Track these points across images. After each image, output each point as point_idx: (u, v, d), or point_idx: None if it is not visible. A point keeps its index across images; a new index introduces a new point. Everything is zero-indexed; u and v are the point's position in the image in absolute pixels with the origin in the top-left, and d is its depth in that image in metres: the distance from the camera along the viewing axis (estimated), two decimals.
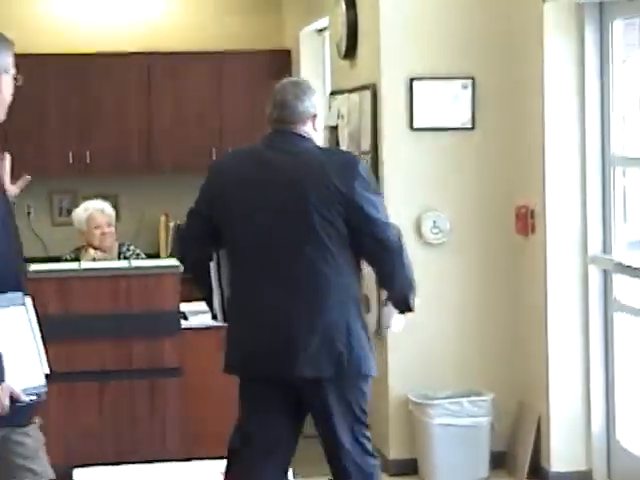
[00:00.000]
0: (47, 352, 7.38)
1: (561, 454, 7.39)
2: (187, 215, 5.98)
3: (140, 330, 7.62)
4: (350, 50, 8.40)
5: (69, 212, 10.08)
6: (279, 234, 5.57)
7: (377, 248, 5.64)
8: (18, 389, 4.31)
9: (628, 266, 7.08)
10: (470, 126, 7.78)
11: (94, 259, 8.35)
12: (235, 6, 11.04)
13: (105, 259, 8.36)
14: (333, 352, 5.52)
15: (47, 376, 4.43)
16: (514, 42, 7.69)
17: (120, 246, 8.58)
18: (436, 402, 7.60)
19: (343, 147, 8.62)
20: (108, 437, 7.57)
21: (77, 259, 8.36)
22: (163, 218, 10.77)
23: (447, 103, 7.76)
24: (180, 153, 10.47)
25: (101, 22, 10.82)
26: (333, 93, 9.12)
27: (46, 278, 7.69)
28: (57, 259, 8.47)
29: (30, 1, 10.75)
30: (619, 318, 7.29)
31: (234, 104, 10.58)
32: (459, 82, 7.75)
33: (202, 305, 8.01)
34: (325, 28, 9.67)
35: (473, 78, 7.76)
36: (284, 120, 5.73)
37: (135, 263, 8.13)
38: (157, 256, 9.99)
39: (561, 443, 7.38)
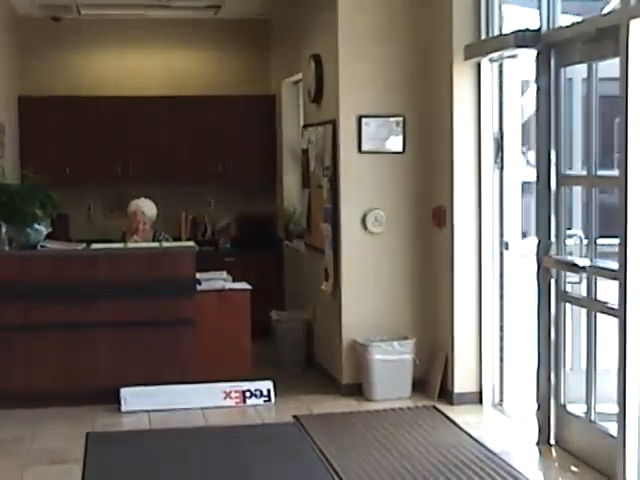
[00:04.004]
0: (99, 309, 7.51)
1: (461, 380, 7.44)
2: None
3: (167, 292, 7.68)
4: (317, 96, 8.39)
5: (118, 208, 10.14)
6: None
7: None
8: None
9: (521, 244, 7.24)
10: (401, 151, 7.78)
11: (135, 241, 8.39)
12: (235, 62, 11.00)
13: (143, 241, 8.42)
14: None
15: None
16: (432, 92, 7.70)
17: (155, 232, 8.54)
18: (375, 344, 7.64)
19: (311, 164, 8.71)
20: (144, 366, 7.61)
21: (123, 241, 8.40)
22: (184, 213, 10.79)
23: (385, 134, 7.75)
24: (195, 167, 10.47)
25: (140, 73, 10.81)
26: (305, 126, 9.10)
27: (101, 254, 7.79)
28: (109, 240, 8.47)
29: (91, 59, 10.71)
30: (508, 286, 7.34)
31: (236, 132, 10.58)
32: (394, 119, 7.75)
33: (211, 274, 8.14)
34: (300, 80, 9.62)
35: (404, 117, 7.77)
36: None
37: (164, 244, 8.19)
38: (179, 239, 10.02)
39: (461, 372, 7.44)
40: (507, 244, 7.31)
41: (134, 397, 7.46)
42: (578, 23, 6.08)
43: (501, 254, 7.36)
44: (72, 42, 10.67)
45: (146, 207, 8.52)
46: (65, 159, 10.22)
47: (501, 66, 7.24)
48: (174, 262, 7.79)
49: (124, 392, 7.47)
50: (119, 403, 7.43)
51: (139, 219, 8.46)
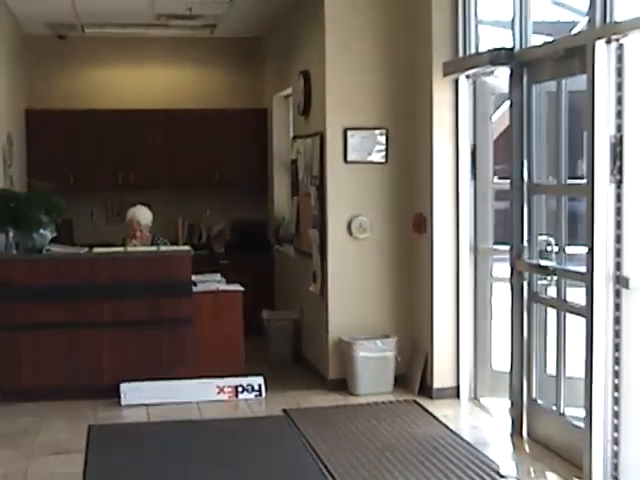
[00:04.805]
0: (101, 309, 7.51)
1: (440, 376, 7.46)
2: None
3: (165, 293, 7.67)
4: (306, 109, 8.42)
5: (119, 214, 10.13)
6: None
7: None
8: None
9: (494, 249, 7.26)
10: (384, 161, 7.79)
11: (134, 245, 8.38)
12: (229, 78, 11.00)
13: (142, 246, 8.40)
14: None
15: None
16: (414, 106, 7.72)
17: (154, 237, 8.53)
18: (359, 342, 7.65)
19: (300, 174, 8.72)
20: (143, 363, 7.62)
21: (123, 245, 8.39)
22: (181, 219, 10.81)
23: (369, 145, 7.76)
24: (194, 176, 10.44)
25: (140, 88, 10.82)
26: (294, 138, 9.11)
27: (103, 258, 7.79)
28: (110, 245, 8.47)
29: (94, 74, 10.72)
30: (481, 285, 7.36)
31: (230, 143, 10.57)
32: (377, 132, 7.76)
33: (206, 276, 8.15)
34: (290, 95, 9.64)
35: (387, 130, 7.78)
36: None
37: (162, 248, 8.18)
38: (176, 244, 10.01)
39: (440, 369, 7.45)
40: (476, 248, 7.37)
41: (133, 392, 7.45)
42: (548, 43, 6.12)
43: (475, 258, 7.39)
44: (76, 59, 10.67)
45: (142, 216, 8.49)
46: (69, 168, 10.21)
47: (475, 83, 7.28)
48: (171, 265, 7.78)
49: (124, 387, 7.46)
50: (119, 397, 7.42)
51: (135, 228, 8.45)
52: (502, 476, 5.62)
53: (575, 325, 5.94)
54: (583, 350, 5.56)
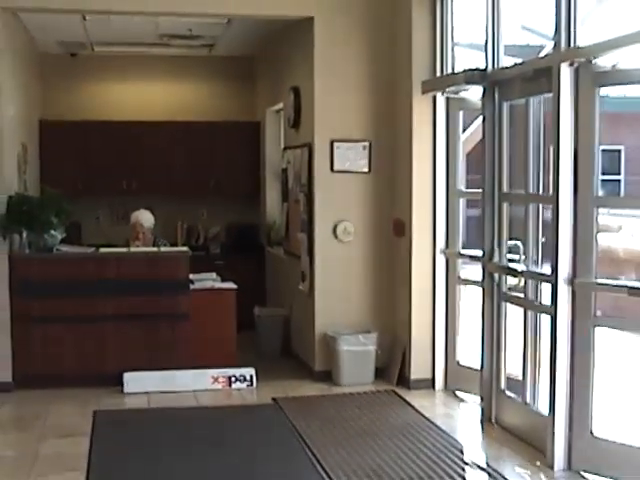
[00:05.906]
0: (106, 304, 7.50)
1: (416, 368, 7.48)
2: None
3: (164, 290, 7.68)
4: (296, 122, 8.41)
5: (123, 217, 10.13)
6: None
7: None
8: None
9: (461, 254, 7.29)
10: (367, 171, 7.81)
11: (137, 246, 8.39)
12: (225, 93, 11.03)
13: (144, 246, 8.42)
14: None
15: None
16: (395, 121, 7.75)
17: (155, 238, 8.51)
18: (343, 337, 7.66)
19: (290, 181, 8.74)
20: (145, 353, 7.62)
21: (127, 246, 8.40)
22: (179, 222, 10.81)
23: (354, 156, 7.77)
24: (192, 183, 10.45)
25: (143, 102, 10.84)
26: (285, 148, 9.11)
27: (108, 257, 7.79)
28: (115, 245, 8.48)
29: (102, 89, 10.74)
30: (452, 286, 7.41)
31: (226, 153, 10.56)
32: (361, 144, 7.78)
33: (202, 275, 8.15)
34: (281, 109, 9.62)
35: (370, 141, 7.80)
36: None
37: (162, 249, 8.17)
38: (176, 245, 10.00)
39: (417, 361, 7.48)
40: (444, 251, 7.41)
41: (135, 380, 7.46)
42: (518, 64, 6.17)
43: (447, 261, 7.42)
44: (86, 74, 10.67)
45: (144, 219, 8.48)
46: (78, 175, 10.21)
47: (448, 100, 7.33)
48: (171, 264, 7.78)
49: (127, 376, 7.48)
50: (122, 386, 7.44)
51: (138, 230, 8.44)
52: (466, 463, 5.66)
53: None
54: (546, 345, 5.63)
